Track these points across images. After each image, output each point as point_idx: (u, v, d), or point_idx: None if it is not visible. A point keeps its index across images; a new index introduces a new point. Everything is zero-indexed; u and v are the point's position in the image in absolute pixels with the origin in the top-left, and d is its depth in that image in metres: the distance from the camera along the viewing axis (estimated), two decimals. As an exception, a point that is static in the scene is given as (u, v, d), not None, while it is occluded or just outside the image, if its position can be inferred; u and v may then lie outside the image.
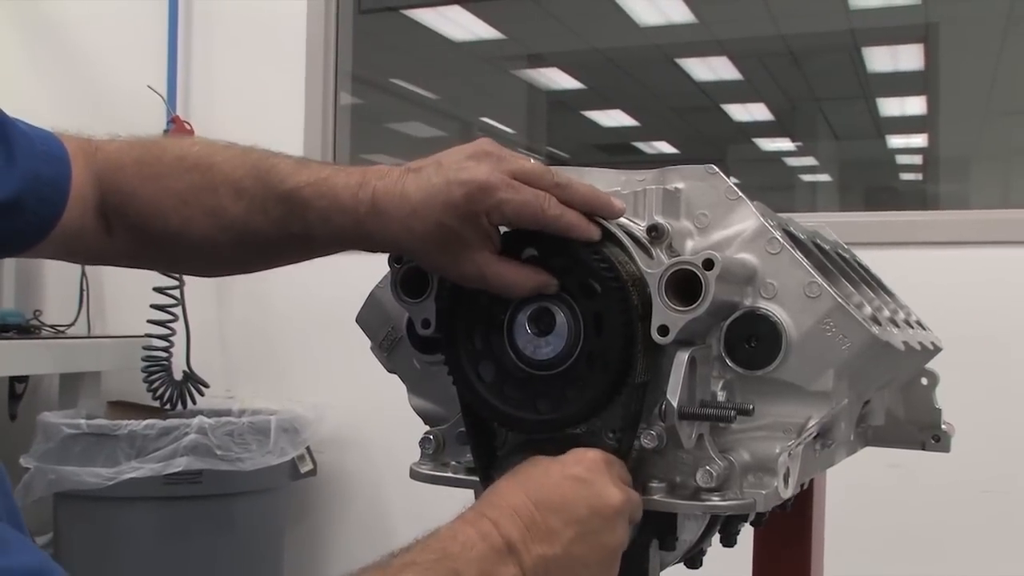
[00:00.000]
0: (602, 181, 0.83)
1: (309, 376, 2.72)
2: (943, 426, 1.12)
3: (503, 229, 0.78)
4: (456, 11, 4.54)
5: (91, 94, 2.92)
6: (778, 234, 0.78)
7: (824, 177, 7.21)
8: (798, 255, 0.78)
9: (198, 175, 0.83)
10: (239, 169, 0.82)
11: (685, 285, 0.73)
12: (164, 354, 2.58)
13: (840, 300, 0.76)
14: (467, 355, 0.80)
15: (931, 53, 4.99)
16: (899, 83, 5.67)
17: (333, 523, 2.74)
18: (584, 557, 0.72)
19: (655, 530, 0.80)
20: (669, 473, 0.77)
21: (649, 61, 5.50)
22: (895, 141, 6.66)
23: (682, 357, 0.74)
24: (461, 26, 4.84)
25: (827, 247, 0.98)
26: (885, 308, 0.94)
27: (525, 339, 0.78)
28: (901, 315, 1.00)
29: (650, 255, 0.76)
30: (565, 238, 0.76)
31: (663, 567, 0.84)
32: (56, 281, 2.92)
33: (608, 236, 0.77)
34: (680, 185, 0.82)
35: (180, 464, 2.22)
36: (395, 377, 0.90)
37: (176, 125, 2.72)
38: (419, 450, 0.87)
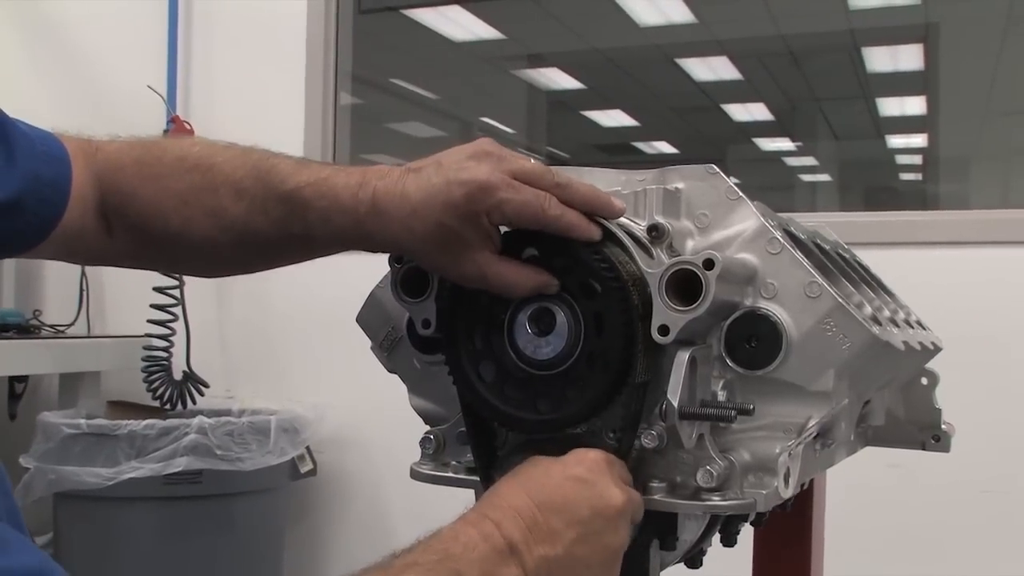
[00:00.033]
0: (602, 181, 0.83)
1: (309, 376, 2.72)
2: (943, 426, 1.12)
3: (503, 229, 0.78)
4: (456, 11, 4.54)
5: (91, 94, 2.92)
6: (778, 234, 0.78)
7: (824, 177, 7.21)
8: (798, 255, 0.78)
9: (198, 176, 0.83)
10: (239, 170, 0.82)
11: (685, 285, 0.73)
12: (164, 354, 2.58)
13: (840, 300, 0.76)
14: (467, 355, 0.80)
15: (931, 53, 4.99)
16: (899, 83, 5.67)
17: (333, 523, 2.74)
18: (586, 558, 0.72)
19: (656, 530, 0.80)
20: (670, 473, 0.77)
21: (649, 61, 5.50)
22: (895, 141, 6.66)
23: (682, 357, 0.74)
24: (461, 26, 4.84)
25: (827, 247, 0.98)
26: (885, 308, 0.94)
27: (525, 339, 0.78)
28: (901, 315, 1.00)
29: (650, 255, 0.76)
30: (565, 238, 0.76)
31: (663, 567, 0.84)
32: (56, 281, 2.92)
33: (608, 236, 0.77)
34: (680, 185, 0.82)
35: (180, 464, 2.22)
36: (395, 377, 0.90)
37: (176, 125, 2.72)
38: (419, 450, 0.87)
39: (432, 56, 4.95)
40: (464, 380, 0.80)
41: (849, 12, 4.27)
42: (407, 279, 0.82)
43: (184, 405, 2.60)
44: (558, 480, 0.73)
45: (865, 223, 2.43)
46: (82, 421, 2.32)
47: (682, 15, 4.84)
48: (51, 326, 2.77)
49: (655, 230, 0.77)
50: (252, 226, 0.81)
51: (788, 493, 0.77)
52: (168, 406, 2.58)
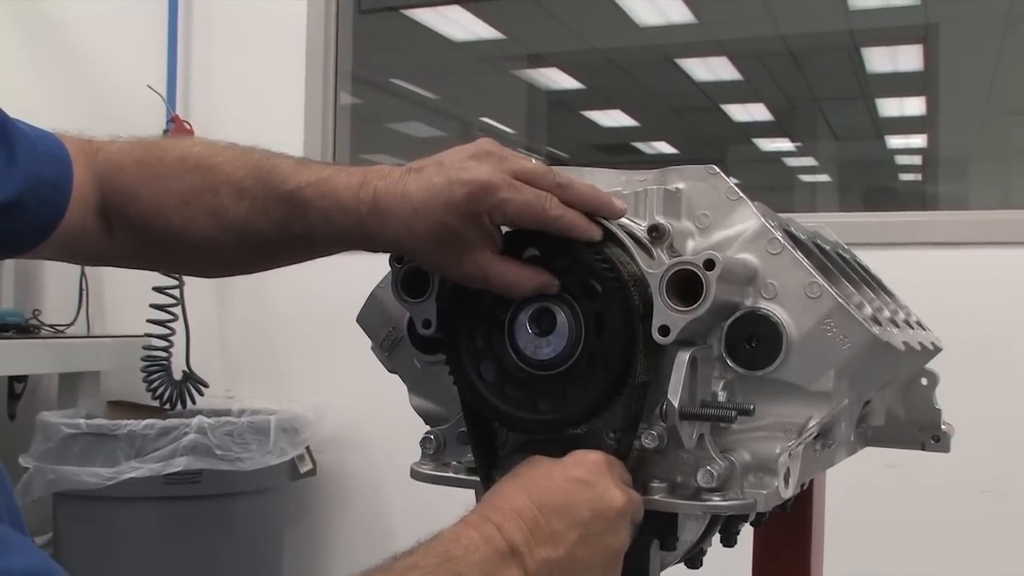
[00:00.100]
0: (603, 181, 0.83)
1: (309, 376, 2.72)
2: (943, 426, 1.12)
3: (504, 229, 0.78)
4: (456, 11, 4.54)
5: (91, 94, 2.92)
6: (779, 234, 0.78)
7: (823, 177, 7.21)
8: (799, 255, 0.78)
9: (199, 176, 0.83)
10: (240, 170, 0.82)
11: (686, 285, 0.73)
12: (164, 354, 2.58)
13: (841, 300, 0.76)
14: (468, 355, 0.80)
15: (930, 54, 4.99)
16: (898, 83, 5.67)
17: (333, 523, 2.74)
18: (587, 559, 0.72)
19: (656, 530, 0.80)
20: (670, 473, 0.77)
21: (649, 61, 5.50)
22: (894, 141, 6.66)
23: (683, 357, 0.74)
24: (461, 26, 4.84)
25: (827, 247, 0.98)
26: (885, 308, 0.94)
27: (526, 339, 0.78)
28: (901, 315, 1.00)
29: (651, 255, 0.76)
30: (566, 238, 0.76)
31: (663, 567, 0.84)
32: (55, 281, 2.92)
33: (609, 236, 0.77)
34: (681, 185, 0.82)
35: (180, 464, 2.22)
36: (395, 377, 0.90)
37: (176, 125, 2.72)
38: (420, 450, 0.87)
39: (432, 56, 4.95)
40: (465, 380, 0.80)
41: (849, 12, 4.27)
42: (408, 279, 0.82)
43: (184, 405, 2.60)
44: (559, 482, 0.73)
45: (864, 223, 2.43)
46: (82, 421, 2.32)
47: (682, 15, 4.84)
48: (51, 326, 2.77)
49: (656, 230, 0.77)
50: (253, 226, 0.81)
51: (788, 493, 0.77)
52: (168, 406, 2.58)
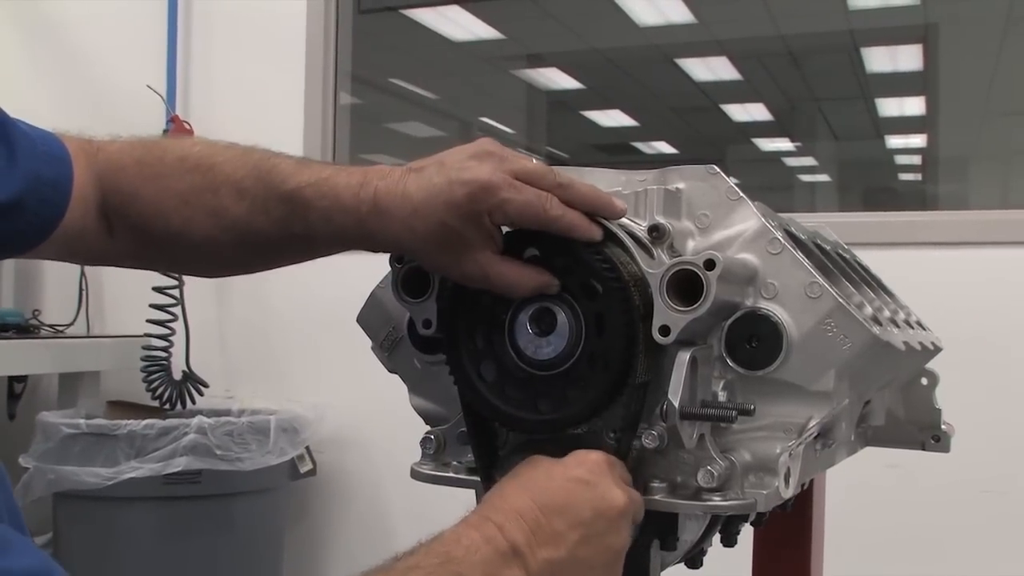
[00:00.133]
0: (603, 181, 0.83)
1: (309, 376, 2.72)
2: (943, 426, 1.12)
3: (505, 229, 0.78)
4: (456, 11, 4.54)
5: (91, 94, 2.92)
6: (779, 234, 0.78)
7: (823, 177, 7.20)
8: (799, 255, 0.78)
9: (199, 176, 0.83)
10: (240, 169, 0.82)
11: (686, 285, 0.73)
12: (163, 354, 2.58)
13: (841, 300, 0.76)
14: (468, 355, 0.80)
15: (930, 53, 4.99)
16: (898, 83, 5.67)
17: (333, 523, 2.74)
18: (589, 559, 0.72)
19: (656, 530, 0.80)
20: (670, 473, 0.77)
21: (648, 61, 5.49)
22: (894, 141, 6.66)
23: (683, 357, 0.74)
24: (461, 26, 4.84)
25: (828, 247, 0.98)
26: (885, 308, 0.94)
27: (526, 339, 0.78)
28: (901, 315, 1.00)
29: (651, 255, 0.76)
30: (567, 238, 0.76)
31: (664, 567, 0.84)
32: (55, 281, 2.92)
33: (610, 236, 0.77)
34: (681, 185, 0.82)
35: (179, 464, 2.22)
36: (395, 377, 0.90)
37: (175, 125, 2.72)
38: (419, 450, 0.87)
39: (431, 56, 4.95)
40: (465, 380, 0.80)
41: (848, 12, 4.27)
42: (408, 279, 0.82)
43: (184, 405, 2.60)
44: (560, 482, 0.73)
45: (864, 223, 2.43)
46: (81, 421, 2.32)
47: (681, 15, 4.84)
48: (50, 326, 2.77)
49: (656, 230, 0.77)
50: (253, 226, 0.81)
51: (789, 493, 0.77)
52: (168, 406, 2.58)
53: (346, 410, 2.62)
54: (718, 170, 0.82)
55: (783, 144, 7.46)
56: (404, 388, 0.90)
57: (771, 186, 7.08)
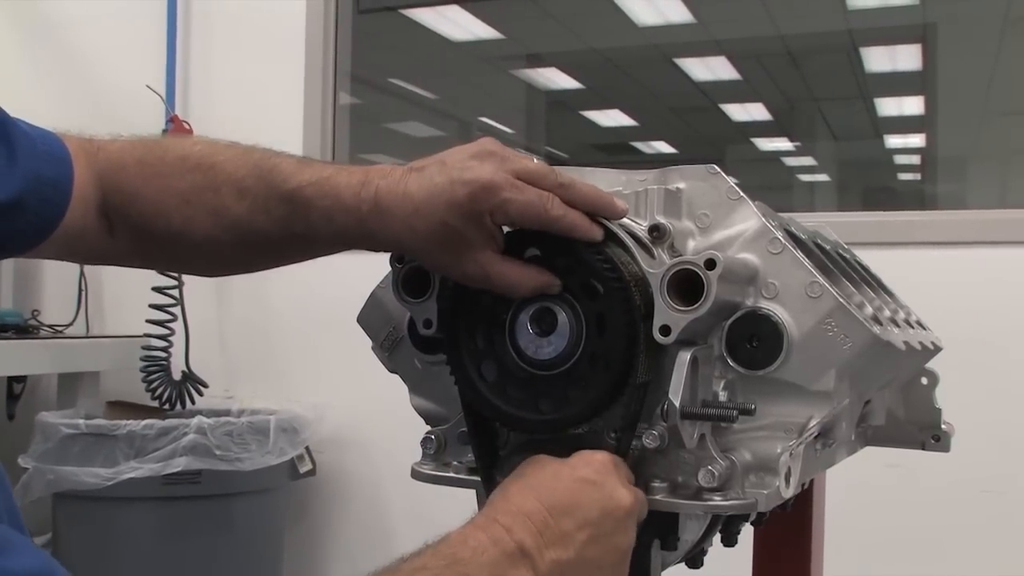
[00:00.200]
0: (604, 181, 0.83)
1: (309, 376, 2.72)
2: (943, 426, 1.12)
3: (506, 229, 0.78)
4: (455, 11, 4.54)
5: (90, 94, 2.92)
6: (780, 234, 0.78)
7: (822, 177, 7.21)
8: (799, 255, 0.78)
9: (200, 175, 0.83)
10: (241, 169, 0.82)
11: (687, 285, 0.73)
12: (163, 354, 2.58)
13: (841, 300, 0.76)
14: (469, 355, 0.80)
15: (929, 53, 4.99)
16: (897, 83, 5.67)
17: (332, 523, 2.74)
18: (597, 559, 0.72)
19: (657, 530, 0.80)
20: (671, 473, 0.77)
21: (647, 61, 5.50)
22: (893, 141, 6.67)
23: (684, 357, 0.74)
24: (460, 26, 4.84)
25: (828, 247, 0.98)
26: (886, 308, 0.94)
27: (527, 339, 0.78)
28: (901, 315, 1.00)
29: (652, 255, 0.76)
30: (568, 238, 0.76)
31: (665, 567, 0.84)
32: (54, 281, 2.92)
33: (610, 236, 0.77)
34: (681, 185, 0.82)
35: (179, 464, 2.22)
36: (395, 377, 0.90)
37: (175, 125, 2.72)
38: (419, 450, 0.87)
39: (431, 56, 4.95)
40: (466, 380, 0.80)
41: (847, 12, 4.28)
42: (409, 279, 0.82)
43: (183, 405, 2.60)
44: (567, 482, 0.73)
45: (863, 223, 2.43)
46: (81, 421, 2.32)
47: (680, 15, 4.85)
48: (50, 326, 2.76)
49: (656, 230, 0.77)
50: (254, 225, 0.81)
51: (789, 493, 0.77)
52: (167, 406, 2.58)
53: (346, 410, 2.62)
54: (718, 170, 0.82)
55: (782, 144, 7.47)
56: (404, 388, 0.90)
57: (770, 186, 7.09)
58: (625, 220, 0.79)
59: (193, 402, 2.61)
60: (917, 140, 6.38)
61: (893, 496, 2.19)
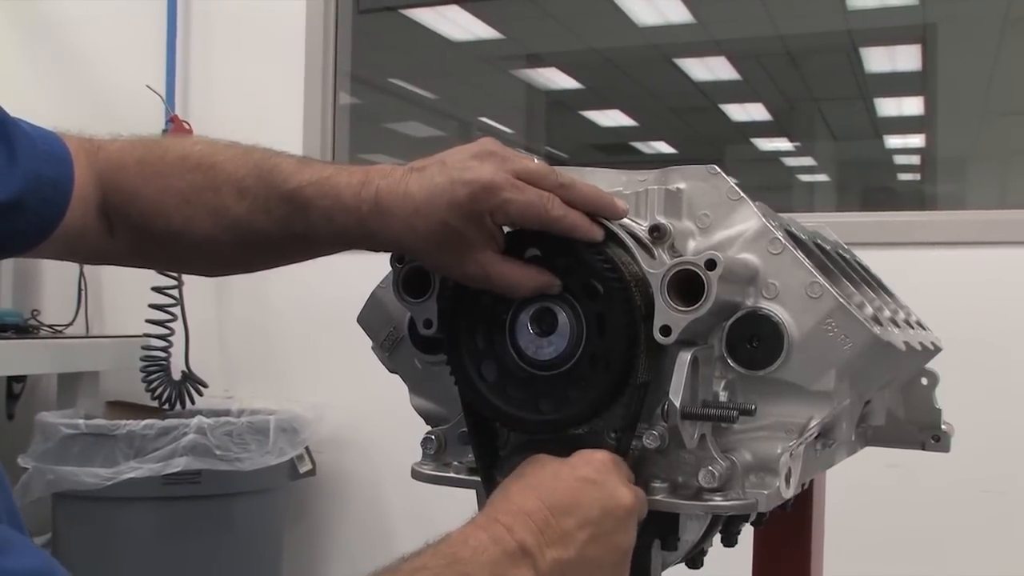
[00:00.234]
0: (604, 181, 0.83)
1: (309, 376, 2.72)
2: (943, 426, 1.12)
3: (506, 229, 0.78)
4: (455, 11, 4.54)
5: (90, 94, 2.92)
6: (780, 234, 0.78)
7: (822, 177, 7.21)
8: (800, 255, 0.78)
9: (200, 175, 0.83)
10: (241, 168, 0.82)
11: (687, 285, 0.73)
12: (163, 354, 2.58)
13: (842, 300, 0.76)
14: (469, 355, 0.80)
15: (929, 53, 4.99)
16: (897, 83, 5.67)
17: (332, 523, 2.74)
18: (598, 559, 0.72)
19: (657, 530, 0.80)
20: (671, 473, 0.77)
21: (647, 61, 5.50)
22: (893, 141, 6.67)
23: (684, 357, 0.74)
24: (460, 26, 4.84)
25: (828, 247, 0.98)
26: (886, 308, 0.94)
27: (527, 339, 0.78)
28: (901, 315, 1.00)
29: (652, 255, 0.76)
30: (568, 238, 0.76)
31: (665, 567, 0.84)
32: (54, 281, 2.92)
33: (611, 236, 0.77)
34: (682, 185, 0.82)
35: (179, 464, 2.22)
36: (395, 377, 0.90)
37: (175, 125, 2.72)
38: (419, 450, 0.87)
39: (431, 56, 4.95)
40: (466, 380, 0.80)
41: (847, 12, 4.28)
42: (409, 279, 0.82)
43: (183, 405, 2.60)
44: (568, 482, 0.73)
45: (863, 223, 2.43)
46: (80, 421, 2.31)
47: (680, 15, 4.85)
48: (49, 326, 2.76)
49: (657, 230, 0.77)
50: (254, 225, 0.81)
51: (789, 493, 0.77)
52: (167, 406, 2.58)
53: (345, 410, 2.62)
54: (719, 170, 0.82)
55: (782, 144, 7.47)
56: (404, 388, 0.90)
57: (770, 186, 7.09)
58: (625, 220, 0.79)
59: (193, 402, 2.61)
60: (917, 140, 6.38)
61: (893, 496, 2.19)
